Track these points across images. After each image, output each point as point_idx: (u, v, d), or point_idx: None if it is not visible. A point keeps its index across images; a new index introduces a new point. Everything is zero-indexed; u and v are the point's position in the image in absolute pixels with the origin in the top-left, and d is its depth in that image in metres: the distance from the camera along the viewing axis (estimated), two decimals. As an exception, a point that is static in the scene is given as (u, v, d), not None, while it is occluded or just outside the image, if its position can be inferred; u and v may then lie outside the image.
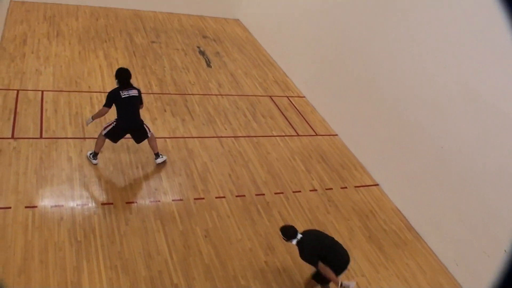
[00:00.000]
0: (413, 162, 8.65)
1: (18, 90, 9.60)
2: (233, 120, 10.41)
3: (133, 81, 10.66)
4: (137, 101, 7.97)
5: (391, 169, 9.28)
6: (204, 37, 14.56)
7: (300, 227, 7.85)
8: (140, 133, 8.12)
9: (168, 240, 7.07)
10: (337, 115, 11.04)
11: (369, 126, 9.88)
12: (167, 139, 9.29)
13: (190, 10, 16.01)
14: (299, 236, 6.20)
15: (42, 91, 9.77)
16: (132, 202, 7.66)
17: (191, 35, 14.45)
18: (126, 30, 13.63)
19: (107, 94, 7.88)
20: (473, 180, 7.43)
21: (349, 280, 6.52)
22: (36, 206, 7.09)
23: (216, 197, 8.15)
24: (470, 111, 7.48)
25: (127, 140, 8.52)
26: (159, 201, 7.82)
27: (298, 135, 10.57)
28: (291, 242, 6.24)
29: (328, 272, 6.01)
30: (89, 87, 10.31)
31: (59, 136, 8.62)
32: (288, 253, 7.37)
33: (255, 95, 11.81)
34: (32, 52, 11.17)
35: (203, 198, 8.06)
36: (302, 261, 6.30)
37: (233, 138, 9.80)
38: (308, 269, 6.64)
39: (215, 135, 9.78)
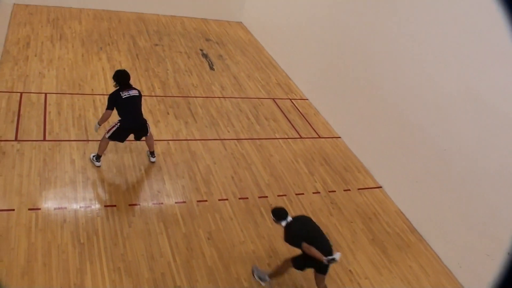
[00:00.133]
0: (416, 164, 8.65)
1: (21, 93, 9.62)
2: (236, 123, 10.41)
3: (136, 84, 10.75)
4: (139, 100, 7.98)
5: (394, 171, 9.27)
6: (207, 40, 14.58)
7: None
8: (143, 132, 8.13)
9: (171, 243, 7.07)
10: (340, 118, 11.04)
11: (372, 128, 9.88)
12: (170, 142, 9.29)
13: (193, 13, 16.03)
14: (289, 219, 6.28)
15: (46, 94, 9.79)
16: (135, 205, 7.66)
17: (194, 38, 14.46)
18: (129, 33, 13.65)
19: (108, 97, 7.90)
20: (476, 182, 7.42)
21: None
22: (39, 208, 7.10)
23: (219, 200, 8.15)
24: (472, 112, 7.48)
25: (130, 143, 8.53)
26: (162, 203, 7.82)
27: (301, 137, 10.56)
28: (280, 223, 6.30)
29: (312, 250, 6.03)
30: (92, 89, 10.33)
31: (62, 139, 8.63)
32: (291, 255, 7.35)
33: (258, 98, 11.82)
34: (36, 55, 11.19)
35: (206, 201, 8.06)
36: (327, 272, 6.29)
37: (236, 141, 9.80)
38: (310, 272, 6.63)
39: (218, 138, 9.78)
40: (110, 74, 10.90)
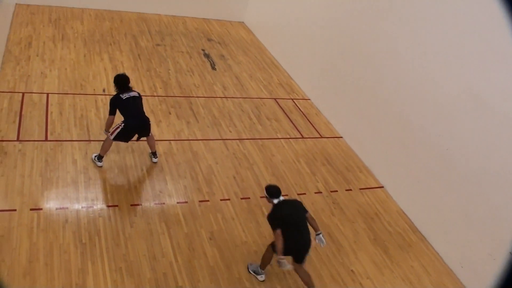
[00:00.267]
0: (418, 164, 8.64)
1: (23, 93, 9.63)
2: (238, 123, 10.41)
3: (138, 84, 10.77)
4: (140, 100, 8.02)
5: (396, 171, 9.26)
6: (209, 40, 14.58)
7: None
8: (146, 132, 8.13)
9: (173, 243, 7.07)
10: (342, 117, 11.03)
11: (373, 128, 9.87)
12: (172, 142, 9.29)
13: (195, 13, 16.03)
14: (281, 198, 6.37)
15: (47, 94, 9.80)
16: (137, 205, 7.66)
17: (196, 38, 14.47)
18: (131, 33, 13.66)
19: (109, 102, 7.94)
20: (477, 182, 7.41)
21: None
22: (41, 209, 7.10)
23: (221, 200, 8.15)
24: (474, 112, 7.46)
25: (132, 143, 8.53)
26: (164, 203, 7.82)
27: (303, 137, 10.56)
28: (272, 201, 6.35)
29: (279, 241, 6.08)
30: (94, 90, 10.34)
31: (64, 139, 8.63)
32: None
33: (260, 98, 11.81)
34: (37, 55, 11.20)
35: (208, 201, 8.06)
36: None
37: (238, 141, 9.80)
38: (313, 273, 6.62)
39: (220, 138, 9.78)
40: (112, 74, 10.92)
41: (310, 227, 6.40)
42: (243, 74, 12.86)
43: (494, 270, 6.81)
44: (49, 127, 8.84)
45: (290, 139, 10.36)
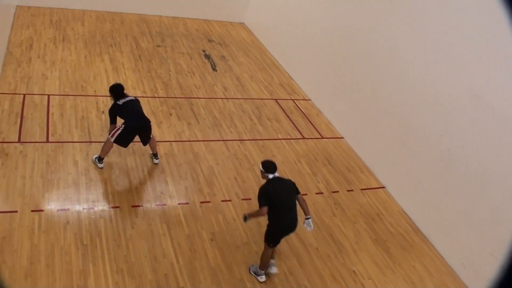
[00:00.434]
0: (419, 164, 8.63)
1: (24, 95, 9.64)
2: (238, 124, 10.41)
3: (138, 85, 10.79)
4: (138, 103, 8.05)
5: (397, 171, 9.25)
6: (210, 41, 14.58)
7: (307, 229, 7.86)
8: (147, 133, 8.12)
9: (174, 244, 7.07)
10: (343, 118, 11.03)
11: (375, 128, 9.86)
12: (173, 143, 9.29)
13: (195, 14, 16.04)
14: (276, 174, 6.42)
15: (48, 95, 9.81)
16: (138, 206, 7.66)
17: (197, 39, 14.47)
18: (132, 34, 13.67)
19: (108, 112, 7.97)
20: (480, 182, 7.40)
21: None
22: (42, 210, 7.10)
23: (222, 201, 8.15)
24: (475, 112, 7.46)
25: (133, 144, 8.52)
26: (165, 204, 7.82)
27: (303, 138, 10.55)
28: (267, 175, 6.40)
29: (259, 215, 6.34)
30: (95, 91, 10.34)
31: (65, 140, 8.64)
32: (295, 256, 7.36)
33: (261, 99, 11.81)
34: (38, 57, 11.21)
35: (209, 202, 8.06)
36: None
37: (238, 142, 9.80)
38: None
39: (220, 139, 9.78)
40: (113, 76, 10.96)
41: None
42: (244, 75, 12.86)
43: (496, 270, 6.81)
44: (50, 128, 8.84)
45: (291, 140, 10.35)
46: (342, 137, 10.87)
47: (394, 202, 9.14)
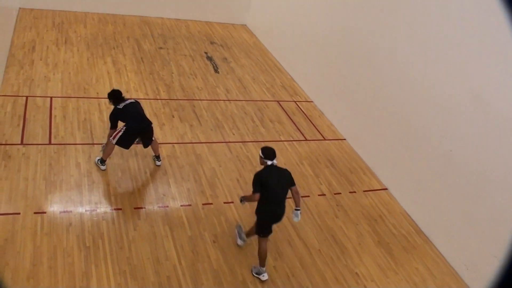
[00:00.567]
0: (422, 166, 8.62)
1: (27, 97, 9.66)
2: (241, 125, 10.41)
3: (141, 87, 10.81)
4: (138, 104, 8.04)
5: (399, 173, 9.24)
6: (212, 43, 14.60)
7: (309, 232, 7.88)
8: (149, 135, 8.12)
9: (177, 246, 7.07)
10: (345, 120, 11.02)
11: (377, 130, 9.86)
12: (175, 145, 9.30)
13: (197, 16, 16.07)
14: (275, 162, 6.55)
15: (51, 98, 9.82)
16: (141, 208, 7.66)
17: (199, 41, 14.49)
18: (134, 36, 13.69)
19: (109, 117, 7.97)
20: (482, 183, 7.39)
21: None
22: (45, 212, 7.11)
23: (225, 202, 8.14)
24: (477, 113, 7.45)
25: (135, 146, 8.52)
26: (167, 206, 7.82)
27: (306, 139, 10.55)
28: (265, 162, 6.54)
29: (250, 199, 6.47)
30: (97, 93, 10.35)
31: (68, 142, 8.65)
32: (297, 258, 7.36)
33: (263, 100, 11.82)
34: (41, 59, 11.23)
35: (212, 203, 8.06)
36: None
37: (241, 143, 9.80)
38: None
39: (223, 141, 9.78)
40: (115, 78, 10.98)
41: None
42: (246, 76, 12.87)
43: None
44: (52, 130, 8.86)
45: (293, 142, 10.35)
46: (344, 139, 10.87)
47: (396, 204, 9.13)
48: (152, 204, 7.80)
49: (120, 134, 7.81)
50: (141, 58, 12.45)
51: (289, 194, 6.61)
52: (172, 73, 12.10)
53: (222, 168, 8.95)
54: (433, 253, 8.14)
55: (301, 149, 10.16)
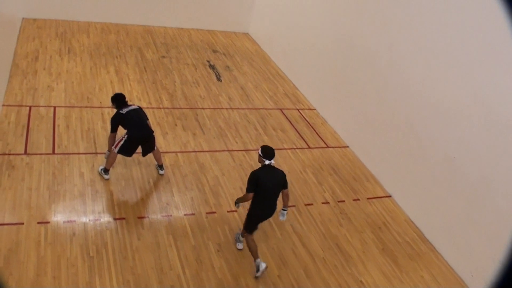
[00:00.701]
0: (425, 173, 8.60)
1: (30, 106, 9.67)
2: (244, 134, 10.41)
3: (144, 96, 10.81)
4: (141, 112, 8.02)
5: (403, 180, 9.22)
6: (214, 51, 14.63)
7: (313, 240, 7.85)
8: (150, 144, 8.12)
9: (181, 255, 7.05)
10: (348, 127, 11.02)
11: (380, 137, 9.85)
12: (178, 154, 9.30)
13: (200, 25, 16.12)
14: (272, 162, 6.66)
15: (54, 107, 9.84)
16: (144, 217, 7.65)
17: (201, 49, 14.52)
18: (137, 45, 13.73)
19: (110, 121, 7.97)
20: (486, 189, 7.37)
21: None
22: (48, 222, 7.10)
23: (228, 211, 8.13)
24: (481, 119, 7.44)
25: (139, 155, 8.52)
26: (171, 215, 7.81)
27: (309, 147, 10.54)
28: (264, 161, 6.63)
29: (244, 199, 6.63)
30: (101, 102, 10.37)
31: (71, 152, 8.65)
32: (301, 266, 7.33)
33: (266, 108, 11.82)
34: (44, 69, 11.26)
35: (215, 212, 8.05)
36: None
37: (244, 152, 9.79)
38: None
39: (226, 149, 9.78)
40: (118, 87, 10.99)
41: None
42: (249, 85, 12.88)
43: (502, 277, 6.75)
44: (56, 140, 8.86)
45: (296, 150, 10.35)
46: (348, 146, 10.86)
47: (400, 211, 9.11)
48: (155, 213, 7.79)
49: (121, 143, 7.81)
50: (144, 67, 12.48)
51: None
52: (175, 81, 12.11)
53: (225, 177, 8.95)
54: (438, 260, 8.11)
55: (304, 157, 10.15)
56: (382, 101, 9.78)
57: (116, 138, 7.93)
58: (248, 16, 16.53)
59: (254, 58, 14.74)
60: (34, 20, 13.74)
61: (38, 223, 7.02)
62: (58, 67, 11.48)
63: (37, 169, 8.06)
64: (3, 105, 9.52)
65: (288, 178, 9.10)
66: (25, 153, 8.38)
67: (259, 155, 6.69)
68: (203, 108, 11.15)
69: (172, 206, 8.00)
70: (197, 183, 8.64)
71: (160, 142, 9.36)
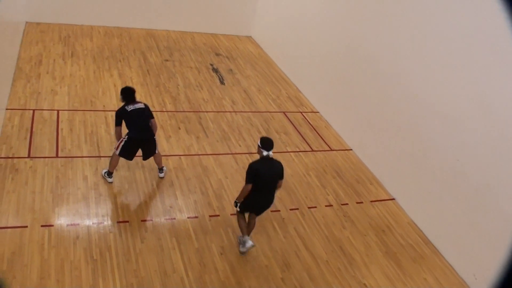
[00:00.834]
0: (429, 175, 8.59)
1: (34, 110, 9.70)
2: (247, 137, 10.41)
3: (147, 99, 10.82)
4: (144, 113, 7.94)
5: (406, 182, 9.21)
6: (217, 54, 14.65)
7: (316, 243, 7.84)
8: (150, 147, 8.10)
9: (184, 258, 7.05)
10: (352, 130, 11.01)
11: (383, 140, 9.84)
12: (182, 157, 9.31)
13: (203, 28, 16.15)
14: (271, 153, 6.75)
15: (58, 111, 9.86)
16: (148, 220, 7.66)
17: (204, 53, 14.55)
18: (140, 49, 13.76)
19: (115, 114, 7.96)
20: (490, 192, 7.35)
21: None
22: (52, 225, 7.12)
23: (231, 214, 8.12)
24: (485, 122, 7.42)
25: (141, 158, 8.54)
26: (174, 218, 7.82)
27: (312, 150, 10.54)
28: (262, 151, 6.73)
29: (243, 192, 6.77)
30: (104, 106, 10.39)
31: (75, 155, 8.67)
32: (305, 270, 7.32)
33: (269, 112, 11.83)
34: (48, 72, 11.30)
35: (219, 215, 8.05)
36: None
37: (247, 155, 9.80)
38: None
39: (229, 152, 9.78)
40: (121, 90, 10.99)
41: None
42: (252, 88, 12.89)
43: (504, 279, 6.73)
44: (59, 143, 8.89)
45: (299, 152, 10.35)
46: (351, 149, 10.85)
47: (404, 214, 9.09)
48: (159, 217, 7.79)
49: (122, 144, 7.83)
50: (147, 70, 12.50)
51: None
52: (178, 85, 12.14)
53: (229, 180, 8.95)
54: (441, 263, 8.09)
55: (307, 160, 10.15)
56: (385, 104, 9.77)
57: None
58: (251, 19, 16.55)
59: (257, 62, 14.76)
60: (38, 24, 13.79)
61: (42, 226, 7.04)
62: (61, 71, 11.52)
63: (40, 173, 8.08)
64: (7, 109, 9.56)
65: (291, 181, 9.20)
66: (29, 156, 8.40)
67: (258, 145, 6.79)
68: (206, 112, 11.16)
69: (176, 209, 8.01)
70: (201, 186, 8.64)
71: (163, 145, 9.37)
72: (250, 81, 13.27)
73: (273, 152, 6.84)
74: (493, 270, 7.20)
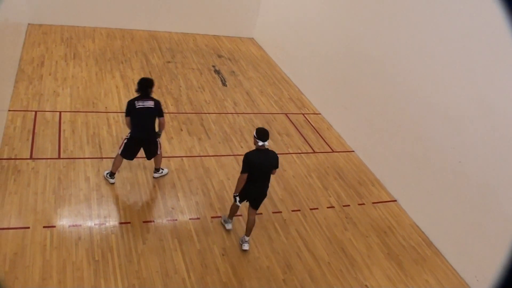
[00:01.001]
0: (431, 177, 8.59)
1: (36, 111, 9.72)
2: (249, 138, 10.41)
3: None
4: (152, 113, 7.81)
5: (408, 184, 9.21)
6: (219, 56, 14.66)
7: (318, 244, 7.84)
8: (151, 147, 8.10)
9: (186, 259, 7.06)
10: (353, 131, 11.01)
11: (385, 141, 9.84)
12: (184, 158, 9.32)
13: (205, 30, 16.16)
14: (266, 144, 6.87)
15: (60, 112, 9.88)
16: (149, 221, 7.67)
17: (206, 54, 14.56)
18: (142, 50, 13.78)
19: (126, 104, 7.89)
20: (491, 194, 7.35)
21: None
22: (54, 226, 7.13)
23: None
24: (486, 123, 7.43)
25: (144, 160, 8.54)
26: (176, 219, 7.82)
27: (314, 152, 10.54)
28: (257, 142, 6.85)
29: (240, 183, 6.96)
30: (106, 107, 10.40)
31: (77, 156, 8.68)
32: (307, 271, 7.32)
33: (271, 113, 11.83)
34: (50, 74, 11.31)
35: (220, 217, 8.05)
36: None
37: (249, 156, 9.79)
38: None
39: (231, 154, 9.79)
40: (123, 92, 11.03)
41: None
42: (254, 89, 12.90)
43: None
44: (61, 145, 8.90)
45: (301, 154, 10.35)
46: (353, 151, 10.85)
47: (405, 215, 9.09)
48: (161, 218, 7.80)
49: (124, 142, 7.85)
50: (150, 72, 12.52)
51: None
52: (180, 86, 12.15)
53: (230, 181, 8.95)
54: (443, 264, 8.09)
55: (309, 161, 10.15)
56: (387, 105, 9.77)
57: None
58: (253, 21, 16.57)
59: (259, 63, 14.77)
60: (40, 25, 13.81)
61: (44, 227, 7.05)
62: (63, 72, 11.53)
63: (42, 174, 8.09)
64: (9, 110, 9.57)
65: (293, 183, 9.21)
66: (31, 157, 8.41)
67: (254, 136, 6.90)
68: (208, 113, 11.17)
69: (177, 211, 8.01)
70: (202, 187, 8.65)
71: (165, 147, 9.38)
72: (252, 83, 13.28)
73: (274, 152, 6.90)
74: (495, 271, 7.19)
